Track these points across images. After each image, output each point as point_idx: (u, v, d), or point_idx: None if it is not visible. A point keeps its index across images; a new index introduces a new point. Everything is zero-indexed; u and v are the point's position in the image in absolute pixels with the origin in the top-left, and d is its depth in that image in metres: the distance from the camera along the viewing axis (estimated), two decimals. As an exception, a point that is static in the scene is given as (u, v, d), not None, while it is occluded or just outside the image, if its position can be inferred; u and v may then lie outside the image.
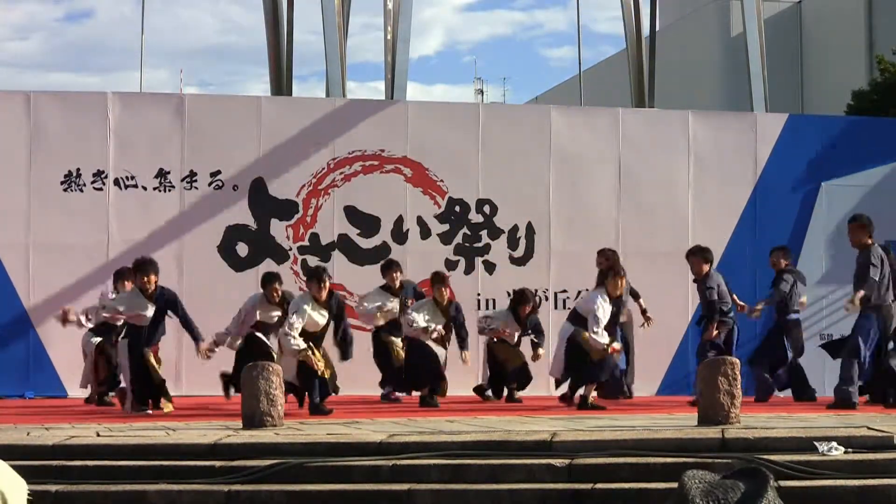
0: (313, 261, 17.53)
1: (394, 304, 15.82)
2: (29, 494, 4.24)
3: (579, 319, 14.49)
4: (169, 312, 14.26)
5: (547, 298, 17.89)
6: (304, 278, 14.55)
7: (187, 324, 14.35)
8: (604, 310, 14.19)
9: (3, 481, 4.09)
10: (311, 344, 13.87)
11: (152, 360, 14.06)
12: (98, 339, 15.38)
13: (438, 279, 15.62)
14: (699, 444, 9.72)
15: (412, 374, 15.39)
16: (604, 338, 14.08)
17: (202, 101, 18.60)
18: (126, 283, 15.06)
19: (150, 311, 14.07)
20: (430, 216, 17.99)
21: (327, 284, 14.18)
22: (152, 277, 14.15)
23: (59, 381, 16.99)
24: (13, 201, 17.16)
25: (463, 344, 15.51)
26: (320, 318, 14.07)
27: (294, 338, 13.74)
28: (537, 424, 11.26)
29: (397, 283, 15.99)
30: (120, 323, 14.67)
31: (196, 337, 14.24)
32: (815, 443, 9.51)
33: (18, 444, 10.19)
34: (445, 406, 14.76)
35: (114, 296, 14.90)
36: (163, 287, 14.34)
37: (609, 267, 14.87)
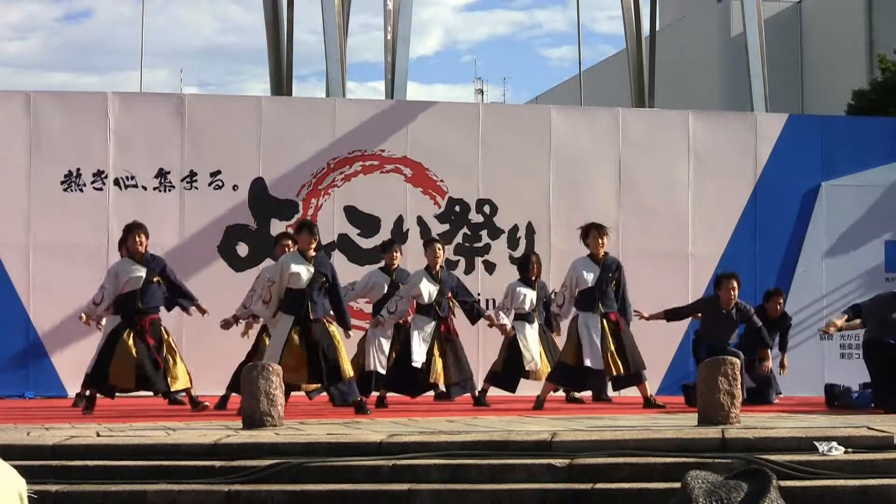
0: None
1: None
2: (33, 494, 4.22)
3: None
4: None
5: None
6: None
7: (179, 289, 14.32)
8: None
9: None
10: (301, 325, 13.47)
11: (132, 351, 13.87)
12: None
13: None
14: (699, 444, 9.72)
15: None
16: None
17: (202, 101, 18.60)
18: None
19: (143, 273, 13.99)
20: (430, 216, 18.00)
21: (317, 237, 13.78)
22: (143, 238, 14.10)
23: (59, 381, 16.98)
24: (13, 201, 17.16)
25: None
26: (305, 272, 13.45)
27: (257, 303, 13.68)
28: (537, 424, 11.26)
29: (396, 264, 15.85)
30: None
31: (190, 300, 14.30)
32: (816, 443, 9.51)
33: (18, 444, 10.19)
34: (445, 406, 14.77)
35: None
36: (153, 254, 14.34)
37: (590, 225, 14.83)
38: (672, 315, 15.35)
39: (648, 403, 14.38)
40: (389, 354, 15.36)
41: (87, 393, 14.34)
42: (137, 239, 14.12)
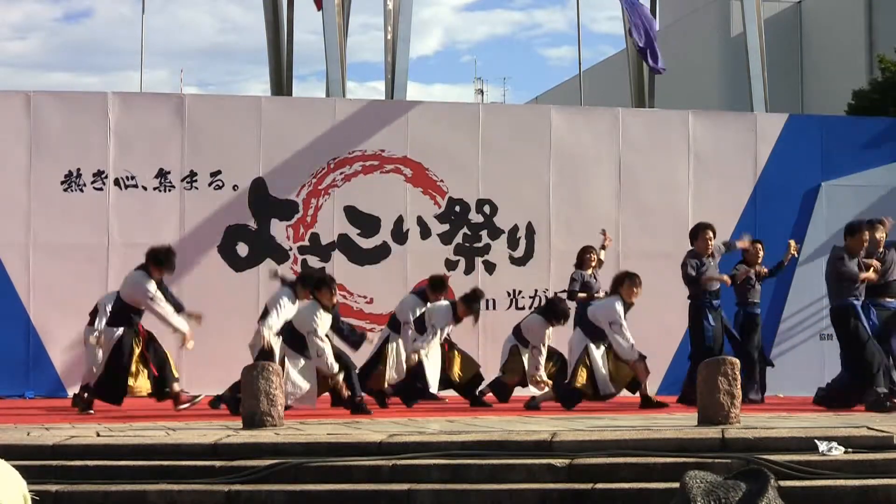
0: (313, 261, 17.54)
1: None
2: (35, 495, 4.23)
3: (594, 329, 14.54)
4: None
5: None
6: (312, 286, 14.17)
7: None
8: (623, 315, 14.36)
9: None
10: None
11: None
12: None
13: None
14: (699, 444, 9.71)
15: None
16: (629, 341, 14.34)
17: (202, 101, 18.60)
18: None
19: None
20: (430, 216, 18.00)
21: (336, 291, 13.98)
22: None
23: (59, 381, 16.99)
24: (13, 201, 17.16)
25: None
26: (328, 322, 13.78)
27: (328, 357, 13.45)
28: (537, 424, 11.26)
29: None
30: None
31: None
32: (817, 441, 9.51)
33: (18, 444, 10.19)
34: (447, 406, 14.77)
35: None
36: None
37: (625, 273, 14.85)
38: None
39: (647, 401, 14.42)
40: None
41: (86, 395, 14.40)
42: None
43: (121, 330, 14.12)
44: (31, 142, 17.28)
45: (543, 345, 15.48)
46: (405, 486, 9.16)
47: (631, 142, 18.48)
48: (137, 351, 14.10)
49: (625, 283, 14.53)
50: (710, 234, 15.18)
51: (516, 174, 18.19)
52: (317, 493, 9.18)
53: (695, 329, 15.01)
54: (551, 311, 15.43)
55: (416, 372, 14.93)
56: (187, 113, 17.70)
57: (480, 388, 15.70)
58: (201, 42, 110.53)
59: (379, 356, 15.36)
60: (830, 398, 14.16)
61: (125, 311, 14.18)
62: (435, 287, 15.53)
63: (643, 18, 20.08)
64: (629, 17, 20.35)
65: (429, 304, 15.32)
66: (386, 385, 15.21)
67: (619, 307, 14.40)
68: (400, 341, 15.30)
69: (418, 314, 15.33)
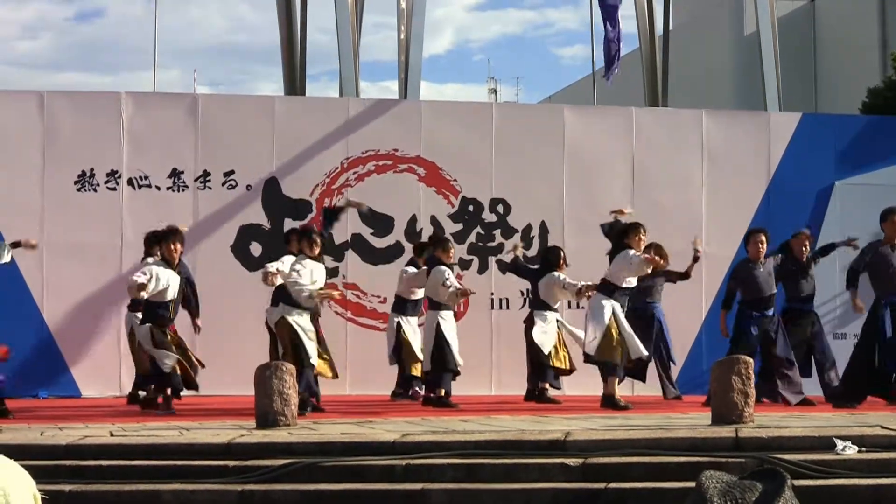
0: (327, 260, 17.54)
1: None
2: (44, 495, 4.23)
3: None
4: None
5: (560, 298, 17.87)
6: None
7: (191, 298, 14.85)
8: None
9: (4, 478, 4.07)
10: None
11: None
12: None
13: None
14: (712, 444, 9.71)
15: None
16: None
17: (216, 101, 18.61)
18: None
19: (178, 283, 14.17)
20: (443, 215, 17.99)
21: (319, 242, 14.29)
22: (179, 246, 14.23)
23: (72, 381, 17.02)
24: (27, 201, 17.18)
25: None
26: (321, 273, 14.17)
27: (304, 286, 13.80)
28: (551, 424, 11.26)
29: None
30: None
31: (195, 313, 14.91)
32: (836, 440, 9.51)
33: (32, 443, 10.22)
34: (460, 405, 14.77)
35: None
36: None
37: (628, 225, 14.91)
38: (727, 305, 15.34)
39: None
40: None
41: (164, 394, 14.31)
42: (174, 246, 14.19)
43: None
44: (45, 142, 17.31)
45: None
46: (419, 486, 9.17)
47: (644, 141, 18.45)
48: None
49: (629, 234, 14.79)
50: (763, 237, 15.24)
51: (530, 173, 18.17)
52: (330, 493, 9.19)
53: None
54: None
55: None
56: (201, 113, 17.72)
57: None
58: (212, 41, 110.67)
59: None
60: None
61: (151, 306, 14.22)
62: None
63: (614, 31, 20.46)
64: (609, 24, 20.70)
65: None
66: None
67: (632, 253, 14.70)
68: None
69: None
